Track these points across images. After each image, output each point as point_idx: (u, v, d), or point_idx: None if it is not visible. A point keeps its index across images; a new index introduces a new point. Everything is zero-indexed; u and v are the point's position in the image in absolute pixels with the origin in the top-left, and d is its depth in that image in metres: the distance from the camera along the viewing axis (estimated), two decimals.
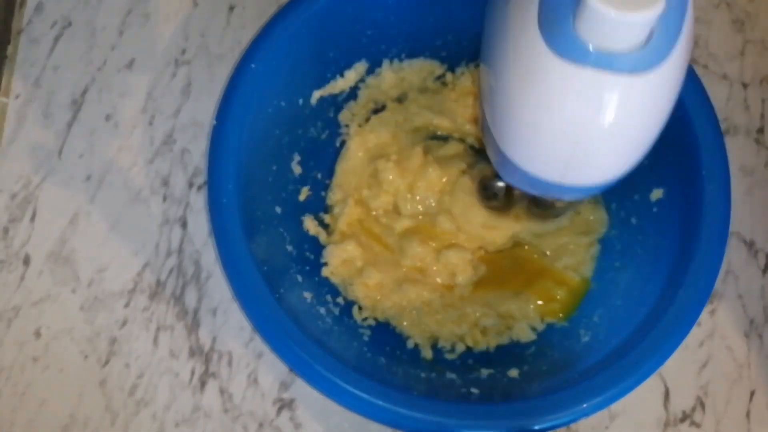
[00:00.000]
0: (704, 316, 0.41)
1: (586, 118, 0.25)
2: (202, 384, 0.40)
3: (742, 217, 0.43)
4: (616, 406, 0.39)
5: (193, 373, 0.40)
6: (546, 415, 0.32)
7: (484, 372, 0.37)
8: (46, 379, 0.40)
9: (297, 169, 0.41)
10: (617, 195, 0.41)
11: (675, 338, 0.33)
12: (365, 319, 0.40)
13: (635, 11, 0.22)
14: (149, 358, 0.40)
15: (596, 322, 0.38)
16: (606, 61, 0.23)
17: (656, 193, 0.38)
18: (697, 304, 0.33)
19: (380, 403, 0.32)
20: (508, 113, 0.27)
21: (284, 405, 0.40)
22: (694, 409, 0.40)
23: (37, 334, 0.40)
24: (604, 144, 0.26)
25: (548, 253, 0.41)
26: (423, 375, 0.37)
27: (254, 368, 0.40)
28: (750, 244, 0.43)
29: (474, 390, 0.35)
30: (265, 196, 0.38)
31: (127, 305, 0.41)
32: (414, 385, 0.35)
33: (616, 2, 0.22)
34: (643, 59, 0.24)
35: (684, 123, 0.35)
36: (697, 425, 0.40)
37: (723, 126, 0.45)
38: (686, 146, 0.36)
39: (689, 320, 0.33)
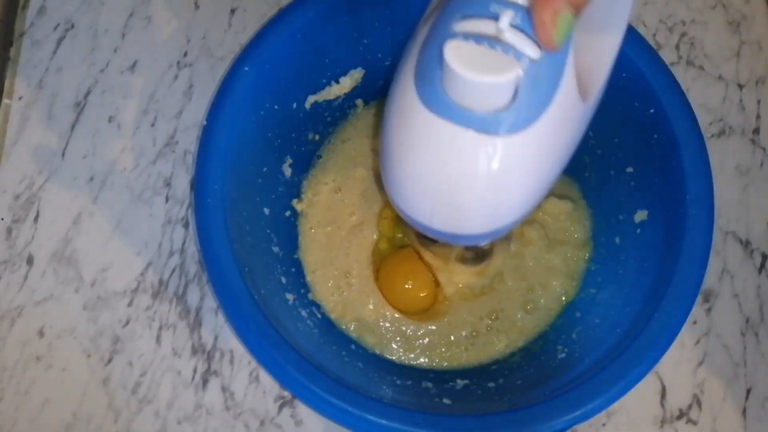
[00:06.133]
0: (701, 314, 0.42)
1: (447, 169, 0.26)
2: (204, 382, 0.40)
3: (738, 217, 0.44)
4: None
5: (195, 371, 0.40)
6: (515, 430, 0.32)
7: (460, 383, 0.38)
8: (49, 378, 0.40)
9: (288, 172, 0.41)
10: (603, 214, 0.41)
11: (645, 363, 0.33)
12: (347, 326, 0.40)
13: (484, 75, 0.23)
14: (152, 356, 0.40)
15: (574, 339, 0.38)
16: (465, 118, 0.24)
17: (640, 215, 0.38)
18: (671, 331, 0.33)
19: (345, 406, 0.32)
20: (386, 156, 0.28)
21: (285, 402, 0.40)
22: (690, 407, 0.40)
23: (41, 333, 0.41)
24: (467, 196, 0.27)
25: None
26: (399, 382, 0.37)
27: (256, 366, 0.40)
28: (746, 244, 0.43)
29: (446, 400, 0.35)
30: (253, 197, 0.39)
31: (129, 304, 0.41)
32: (386, 392, 0.35)
33: (469, 63, 0.23)
34: (501, 122, 0.24)
35: (671, 147, 0.36)
36: (694, 423, 0.40)
37: (719, 126, 0.45)
38: (672, 170, 0.36)
39: (661, 346, 0.33)
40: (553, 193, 0.42)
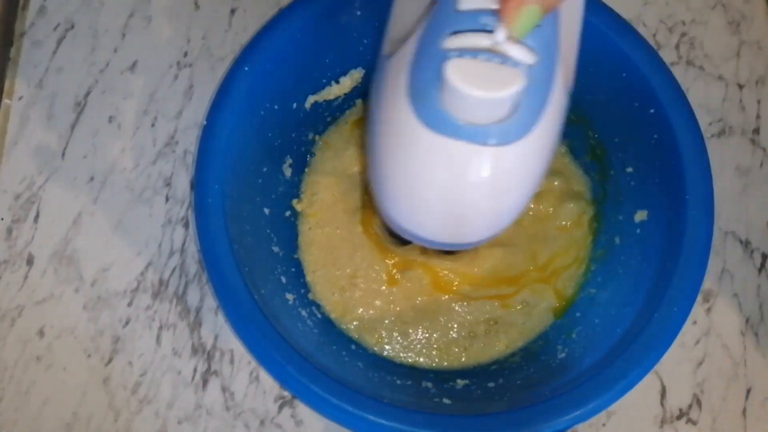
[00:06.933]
0: (700, 314, 0.42)
1: (456, 185, 0.26)
2: (205, 382, 0.40)
3: (737, 217, 0.44)
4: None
5: (195, 371, 0.40)
6: (515, 430, 0.32)
7: (460, 383, 0.38)
8: (49, 378, 0.40)
9: (288, 172, 0.41)
10: (602, 214, 0.41)
11: (645, 363, 0.33)
12: (347, 326, 0.40)
13: (493, 91, 0.23)
14: (152, 356, 0.40)
15: (574, 339, 0.38)
16: (471, 133, 0.24)
17: (640, 215, 0.38)
18: (671, 331, 0.33)
19: (345, 406, 0.32)
20: (385, 178, 0.28)
21: (285, 402, 0.40)
22: (690, 407, 0.40)
23: (41, 333, 0.41)
24: (476, 209, 0.27)
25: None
26: (399, 382, 0.37)
27: (256, 366, 0.40)
28: (746, 244, 0.43)
29: (446, 400, 0.35)
30: (253, 197, 0.39)
31: (130, 304, 0.41)
32: (386, 392, 0.35)
33: (475, 81, 0.23)
34: (508, 131, 0.24)
35: (671, 147, 0.36)
36: (694, 423, 0.40)
37: (718, 126, 0.45)
38: (672, 170, 0.36)
39: (661, 346, 0.33)
40: (562, 191, 0.42)
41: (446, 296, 0.41)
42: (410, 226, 0.29)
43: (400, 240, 0.36)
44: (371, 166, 0.29)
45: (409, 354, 0.40)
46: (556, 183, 0.42)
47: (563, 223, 0.42)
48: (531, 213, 0.42)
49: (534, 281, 0.41)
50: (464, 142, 0.24)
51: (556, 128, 0.27)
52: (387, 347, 0.40)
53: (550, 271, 0.41)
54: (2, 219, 0.43)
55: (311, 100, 0.41)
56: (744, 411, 0.41)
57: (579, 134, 0.42)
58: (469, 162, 0.25)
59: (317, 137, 0.43)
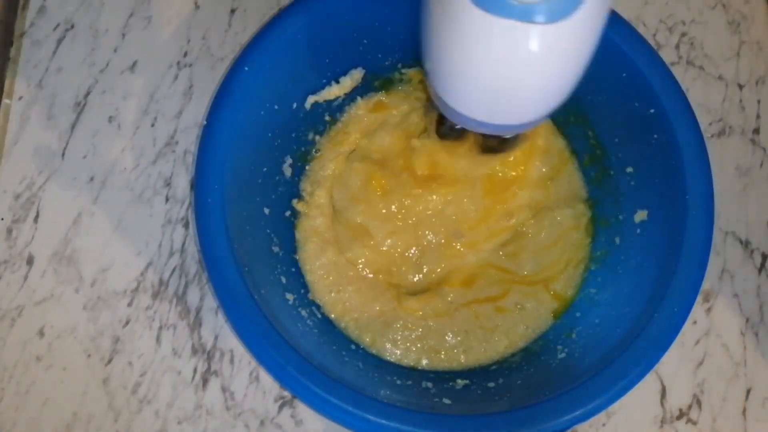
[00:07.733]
0: (700, 314, 0.42)
1: (506, 65, 0.27)
2: (205, 382, 0.40)
3: (737, 217, 0.44)
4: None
5: (195, 371, 0.40)
6: (515, 430, 0.32)
7: (460, 383, 0.38)
8: (49, 378, 0.40)
9: (288, 172, 0.41)
10: (602, 214, 0.41)
11: (645, 363, 0.33)
12: (346, 325, 0.40)
13: None
14: (152, 356, 0.40)
15: (574, 339, 0.38)
16: (519, 12, 0.25)
17: (640, 215, 0.38)
18: (671, 331, 0.33)
19: (345, 406, 0.32)
20: (439, 61, 0.29)
21: (285, 402, 0.40)
22: (690, 407, 0.40)
23: (41, 333, 0.41)
24: (524, 88, 0.28)
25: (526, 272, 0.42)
26: (399, 382, 0.37)
27: (256, 366, 0.40)
28: (746, 244, 0.43)
29: (446, 400, 0.35)
30: (253, 197, 0.39)
31: (130, 304, 0.41)
32: (386, 392, 0.35)
33: None
34: (555, 9, 0.25)
35: (671, 147, 0.36)
36: (694, 422, 0.40)
37: (718, 126, 0.45)
38: (672, 170, 0.36)
39: (661, 346, 0.33)
40: (560, 195, 0.42)
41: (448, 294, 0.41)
42: (462, 107, 0.30)
43: (453, 137, 0.37)
44: (425, 50, 0.30)
45: (409, 354, 0.40)
46: (552, 186, 0.42)
47: (558, 230, 0.41)
48: (523, 220, 0.42)
49: (523, 284, 0.41)
50: (513, 21, 0.25)
51: (605, 7, 0.27)
52: (387, 347, 0.40)
53: (540, 278, 0.41)
54: (2, 219, 0.43)
55: (311, 100, 0.41)
56: (744, 411, 0.41)
57: (579, 134, 0.42)
58: (518, 40, 0.26)
59: (317, 137, 0.43)
